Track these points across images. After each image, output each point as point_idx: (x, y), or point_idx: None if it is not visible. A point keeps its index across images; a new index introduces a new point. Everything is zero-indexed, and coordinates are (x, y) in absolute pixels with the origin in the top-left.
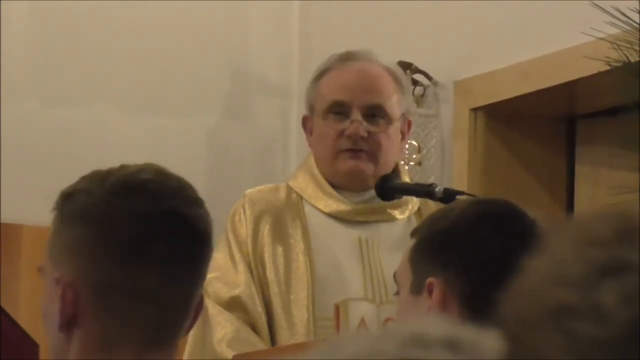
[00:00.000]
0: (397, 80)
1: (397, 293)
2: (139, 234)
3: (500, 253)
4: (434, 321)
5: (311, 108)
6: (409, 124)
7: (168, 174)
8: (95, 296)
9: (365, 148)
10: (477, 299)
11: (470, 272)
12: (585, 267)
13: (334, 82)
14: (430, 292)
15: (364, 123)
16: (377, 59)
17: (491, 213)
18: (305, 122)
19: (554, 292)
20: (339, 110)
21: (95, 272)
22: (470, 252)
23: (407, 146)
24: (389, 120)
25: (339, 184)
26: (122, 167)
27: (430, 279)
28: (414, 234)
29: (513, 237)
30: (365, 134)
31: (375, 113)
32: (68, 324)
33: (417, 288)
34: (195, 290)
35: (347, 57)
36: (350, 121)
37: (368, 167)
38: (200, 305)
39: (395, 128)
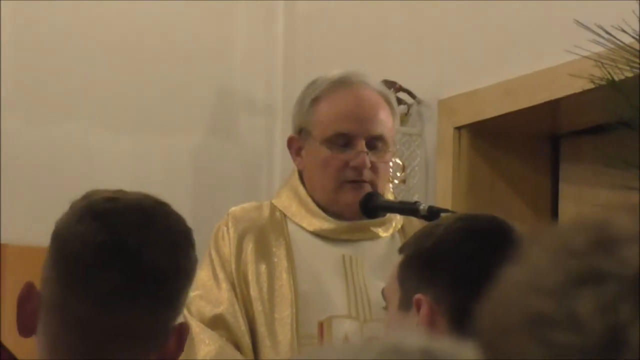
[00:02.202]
0: (390, 105)
1: (385, 307)
2: (85, 262)
3: (487, 268)
4: (412, 333)
5: (303, 130)
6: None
7: (142, 205)
8: (43, 311)
9: (368, 179)
10: (465, 314)
11: (457, 288)
12: (561, 277)
13: (335, 111)
14: (418, 309)
15: (369, 153)
16: (370, 82)
17: (477, 228)
18: (292, 142)
19: (530, 301)
20: (342, 141)
21: (45, 289)
22: (457, 268)
23: (390, 164)
24: (387, 148)
25: (333, 210)
26: (98, 192)
27: (418, 296)
28: (401, 250)
29: (500, 252)
30: (369, 165)
31: (376, 143)
32: (25, 330)
33: (406, 304)
34: (149, 325)
35: (341, 83)
36: (356, 152)
37: None
38: (182, 334)
39: (391, 153)
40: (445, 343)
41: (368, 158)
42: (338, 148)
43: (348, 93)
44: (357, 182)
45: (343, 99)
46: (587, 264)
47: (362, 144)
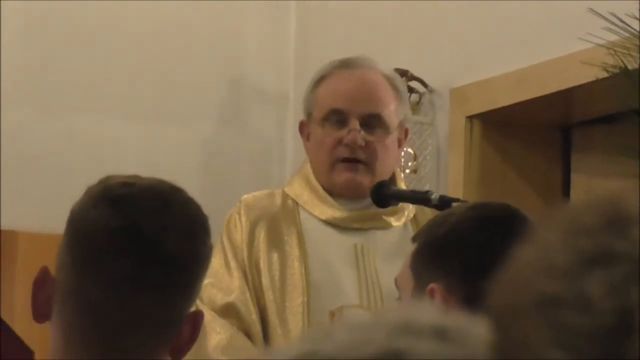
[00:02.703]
0: (395, 88)
1: (399, 298)
2: (98, 246)
3: (500, 257)
4: (423, 309)
5: (308, 114)
6: (406, 132)
7: (157, 190)
8: (58, 296)
9: (362, 158)
10: (478, 303)
11: (470, 277)
12: (572, 257)
13: (333, 89)
14: (432, 298)
15: (362, 132)
16: (376, 66)
17: (490, 217)
18: (302, 127)
19: (540, 282)
20: (337, 118)
21: (60, 275)
22: (469, 257)
23: (402, 154)
24: (386, 129)
25: (335, 192)
26: (114, 177)
27: (432, 285)
28: (415, 239)
29: (512, 241)
30: (363, 143)
31: (373, 122)
32: (40, 315)
33: (419, 293)
34: (163, 311)
35: (346, 64)
36: (348, 130)
37: (365, 179)
38: (196, 321)
39: (392, 137)
40: (457, 320)
41: (360, 136)
42: (332, 126)
43: (349, 74)
44: (351, 161)
45: (342, 79)
46: (599, 243)
47: (355, 122)
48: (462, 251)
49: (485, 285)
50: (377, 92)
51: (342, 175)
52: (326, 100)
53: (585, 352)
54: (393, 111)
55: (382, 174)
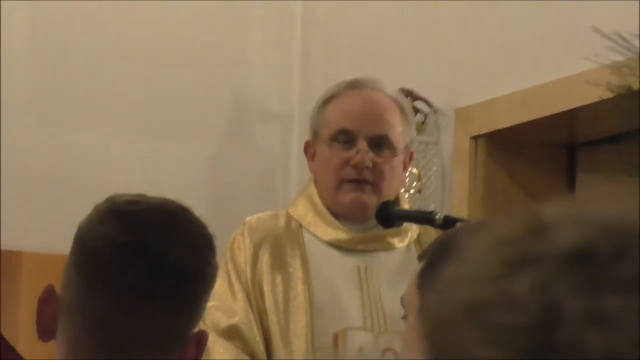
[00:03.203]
0: (402, 111)
1: (404, 317)
2: (105, 261)
3: None
4: None
5: (315, 133)
6: (411, 155)
7: (164, 208)
8: (64, 314)
9: (369, 179)
10: None
11: None
12: (496, 264)
13: (341, 109)
14: None
15: (370, 153)
16: (383, 88)
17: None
18: (308, 147)
19: (466, 291)
20: (344, 138)
21: (65, 291)
22: None
23: (407, 175)
24: (393, 151)
25: (340, 213)
26: (121, 195)
27: None
28: (421, 257)
29: None
30: (371, 164)
31: (380, 143)
32: (45, 333)
33: None
34: (168, 328)
35: (353, 85)
36: (356, 150)
37: (371, 200)
38: (201, 341)
39: (398, 159)
40: None
41: (369, 157)
42: (339, 146)
43: (357, 94)
44: (358, 182)
45: (350, 99)
46: (520, 250)
47: (363, 143)
48: None
49: None
50: (385, 113)
51: (348, 196)
52: (334, 120)
53: (514, 347)
54: (400, 133)
55: (388, 195)
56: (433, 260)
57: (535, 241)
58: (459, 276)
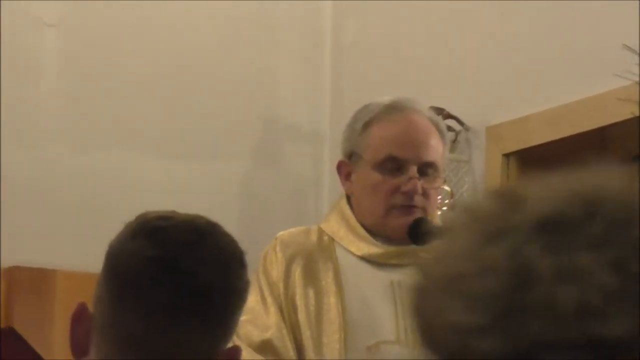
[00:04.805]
0: (440, 132)
1: None
2: (136, 277)
3: None
4: None
5: (353, 154)
6: None
7: (195, 224)
8: (95, 331)
9: (419, 205)
10: None
11: None
12: (474, 239)
13: (388, 135)
14: None
15: (420, 179)
16: (422, 109)
17: None
18: (341, 167)
19: (447, 265)
20: (393, 165)
21: (97, 309)
22: None
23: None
24: (437, 174)
25: (381, 233)
26: (152, 212)
27: None
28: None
29: None
30: (421, 191)
31: (428, 169)
32: (79, 351)
33: None
34: (199, 345)
35: (393, 108)
36: (408, 178)
37: None
38: (233, 357)
39: (441, 180)
40: None
41: (420, 184)
42: (389, 172)
43: (400, 118)
44: (408, 207)
45: (395, 124)
46: (496, 223)
47: (413, 169)
48: None
49: None
50: (431, 139)
51: (400, 221)
52: (381, 146)
53: (492, 311)
54: (442, 155)
55: (432, 217)
56: None
57: (509, 214)
58: (441, 253)
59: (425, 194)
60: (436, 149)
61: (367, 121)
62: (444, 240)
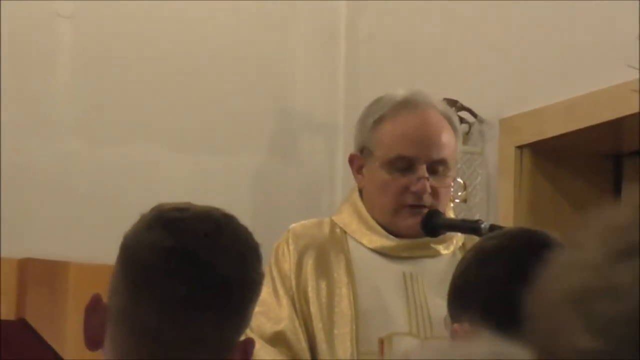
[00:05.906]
0: (453, 126)
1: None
2: (152, 268)
3: (511, 287)
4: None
5: (365, 149)
6: None
7: (211, 216)
8: (111, 322)
9: (428, 204)
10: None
11: (487, 312)
12: (604, 252)
13: (399, 134)
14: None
15: (429, 178)
16: (435, 104)
17: (505, 247)
18: (353, 160)
19: (573, 277)
20: (403, 165)
21: (112, 300)
22: (482, 292)
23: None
24: (449, 170)
25: (392, 230)
26: (167, 204)
27: (454, 326)
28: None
29: (523, 269)
30: (430, 191)
31: (438, 167)
32: (93, 343)
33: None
34: (215, 336)
35: (407, 103)
36: (417, 177)
37: None
38: (247, 350)
39: (451, 177)
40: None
41: (429, 183)
42: (398, 171)
43: (412, 115)
44: (417, 207)
45: (406, 121)
46: (628, 239)
47: (423, 169)
48: (475, 287)
49: (504, 319)
50: (442, 136)
51: (408, 221)
52: (391, 145)
53: (615, 337)
54: (453, 151)
55: (443, 211)
56: (451, 282)
57: None
58: (567, 262)
59: (434, 193)
60: (447, 145)
61: (379, 117)
62: (569, 249)
